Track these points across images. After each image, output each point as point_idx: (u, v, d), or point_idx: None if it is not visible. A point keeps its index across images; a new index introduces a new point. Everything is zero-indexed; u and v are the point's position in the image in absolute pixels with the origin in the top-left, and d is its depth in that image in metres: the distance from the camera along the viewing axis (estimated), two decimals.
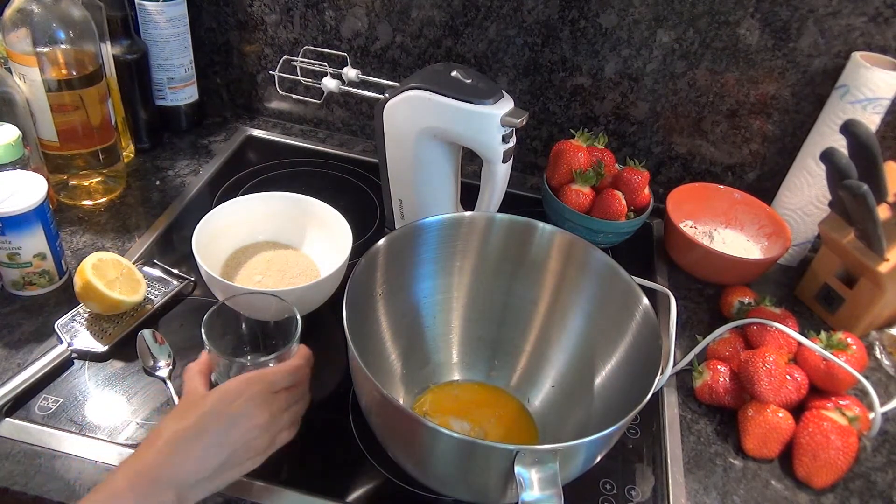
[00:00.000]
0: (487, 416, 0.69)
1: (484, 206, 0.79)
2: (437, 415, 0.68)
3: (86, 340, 0.70)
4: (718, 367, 0.73)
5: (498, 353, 0.72)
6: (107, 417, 0.64)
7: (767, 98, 0.93)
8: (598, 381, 0.65)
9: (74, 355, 0.69)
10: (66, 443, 0.61)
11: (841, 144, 0.75)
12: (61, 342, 0.69)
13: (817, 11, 0.85)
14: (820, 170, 0.86)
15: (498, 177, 0.76)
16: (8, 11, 0.76)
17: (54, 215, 0.73)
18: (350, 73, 0.88)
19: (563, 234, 0.68)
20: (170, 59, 0.98)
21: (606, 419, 0.54)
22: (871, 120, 0.83)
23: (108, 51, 0.89)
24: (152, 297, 0.76)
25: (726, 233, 0.96)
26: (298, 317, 0.59)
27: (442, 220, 0.67)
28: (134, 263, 0.76)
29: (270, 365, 0.56)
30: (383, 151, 0.81)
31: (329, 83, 0.87)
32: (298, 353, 0.58)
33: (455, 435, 0.49)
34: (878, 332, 0.85)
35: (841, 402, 0.70)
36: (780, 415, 0.68)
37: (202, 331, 0.56)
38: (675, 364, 0.76)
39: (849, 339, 0.73)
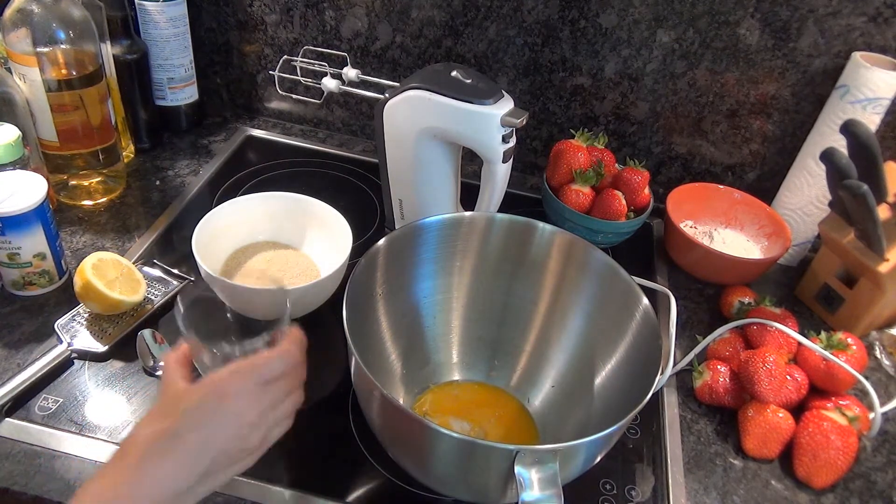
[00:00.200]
0: (487, 416, 0.69)
1: (484, 206, 0.79)
2: (437, 415, 0.68)
3: (86, 340, 0.70)
4: (718, 367, 0.73)
5: (498, 353, 0.72)
6: (107, 417, 0.64)
7: (767, 98, 0.93)
8: (598, 381, 0.65)
9: (74, 355, 0.69)
10: (65, 443, 0.61)
11: (841, 144, 0.75)
12: (61, 342, 0.69)
13: (817, 11, 0.85)
14: (820, 170, 0.86)
15: (498, 177, 0.76)
16: (8, 11, 0.76)
17: (54, 215, 0.73)
18: (350, 73, 0.88)
19: (563, 234, 0.68)
20: (170, 59, 0.98)
21: (606, 419, 0.54)
22: (871, 120, 0.83)
23: (108, 51, 0.89)
24: (152, 297, 0.76)
25: (726, 233, 0.96)
26: (288, 301, 0.53)
27: (442, 220, 0.67)
28: (134, 263, 0.76)
29: (260, 352, 0.49)
30: (383, 151, 0.81)
31: (329, 83, 0.87)
32: (289, 337, 0.51)
33: (455, 435, 0.49)
34: (878, 332, 0.85)
35: (841, 402, 0.70)
36: (780, 415, 0.68)
37: (177, 315, 0.50)
38: (675, 364, 0.76)
39: (849, 339, 0.73)
